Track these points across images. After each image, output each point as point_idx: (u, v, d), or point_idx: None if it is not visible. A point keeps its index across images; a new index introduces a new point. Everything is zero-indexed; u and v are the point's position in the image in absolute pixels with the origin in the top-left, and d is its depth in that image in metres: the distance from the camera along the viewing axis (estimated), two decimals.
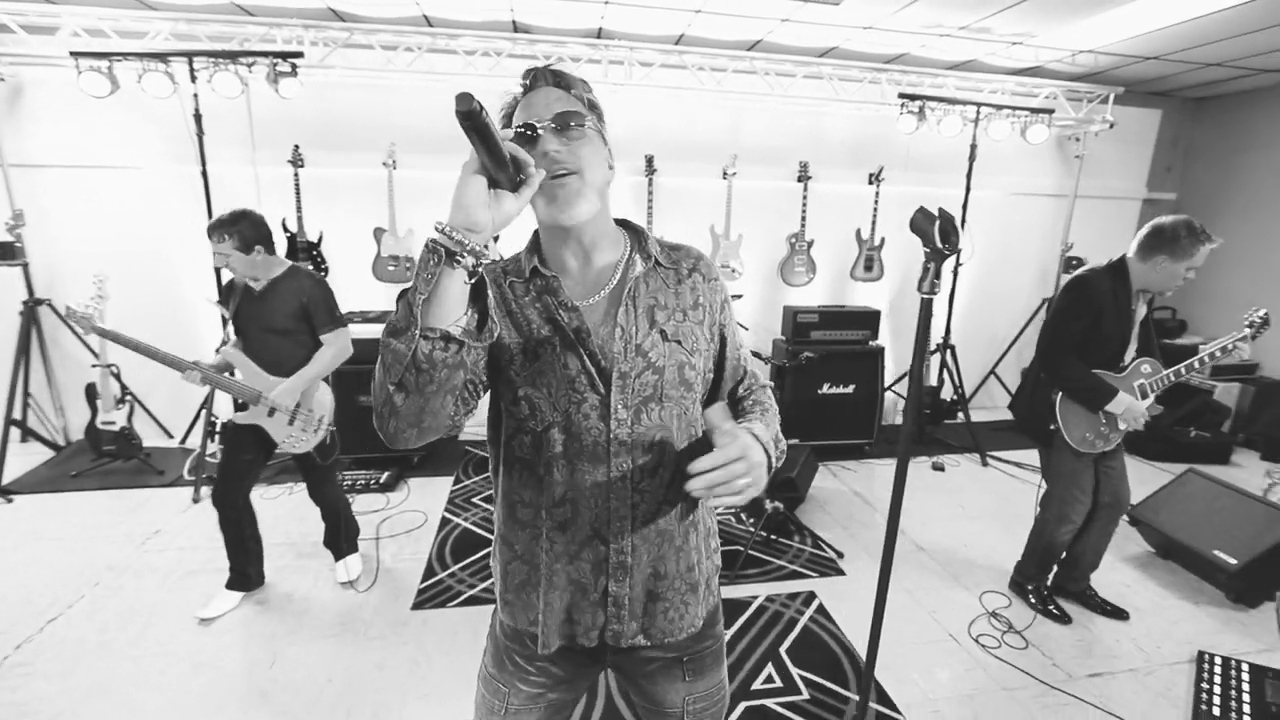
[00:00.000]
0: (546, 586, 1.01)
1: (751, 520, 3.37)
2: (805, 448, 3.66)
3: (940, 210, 0.86)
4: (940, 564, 3.09)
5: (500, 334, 0.98)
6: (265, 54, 3.78)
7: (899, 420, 5.01)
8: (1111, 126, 4.91)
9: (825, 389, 4.30)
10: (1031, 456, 4.39)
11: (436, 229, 0.79)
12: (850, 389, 4.35)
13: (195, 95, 3.78)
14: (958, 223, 0.84)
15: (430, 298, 0.80)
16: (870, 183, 4.87)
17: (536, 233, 1.05)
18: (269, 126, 4.28)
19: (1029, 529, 2.75)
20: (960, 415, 4.79)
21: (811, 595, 2.78)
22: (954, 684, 2.28)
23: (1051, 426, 2.45)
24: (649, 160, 4.54)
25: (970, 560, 3.13)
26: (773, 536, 3.24)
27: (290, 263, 2.62)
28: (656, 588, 1.04)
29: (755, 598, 2.75)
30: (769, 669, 2.32)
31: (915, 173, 5.11)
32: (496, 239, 1.12)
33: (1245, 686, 2.17)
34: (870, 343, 4.41)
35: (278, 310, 2.54)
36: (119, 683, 2.25)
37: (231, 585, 2.73)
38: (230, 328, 2.66)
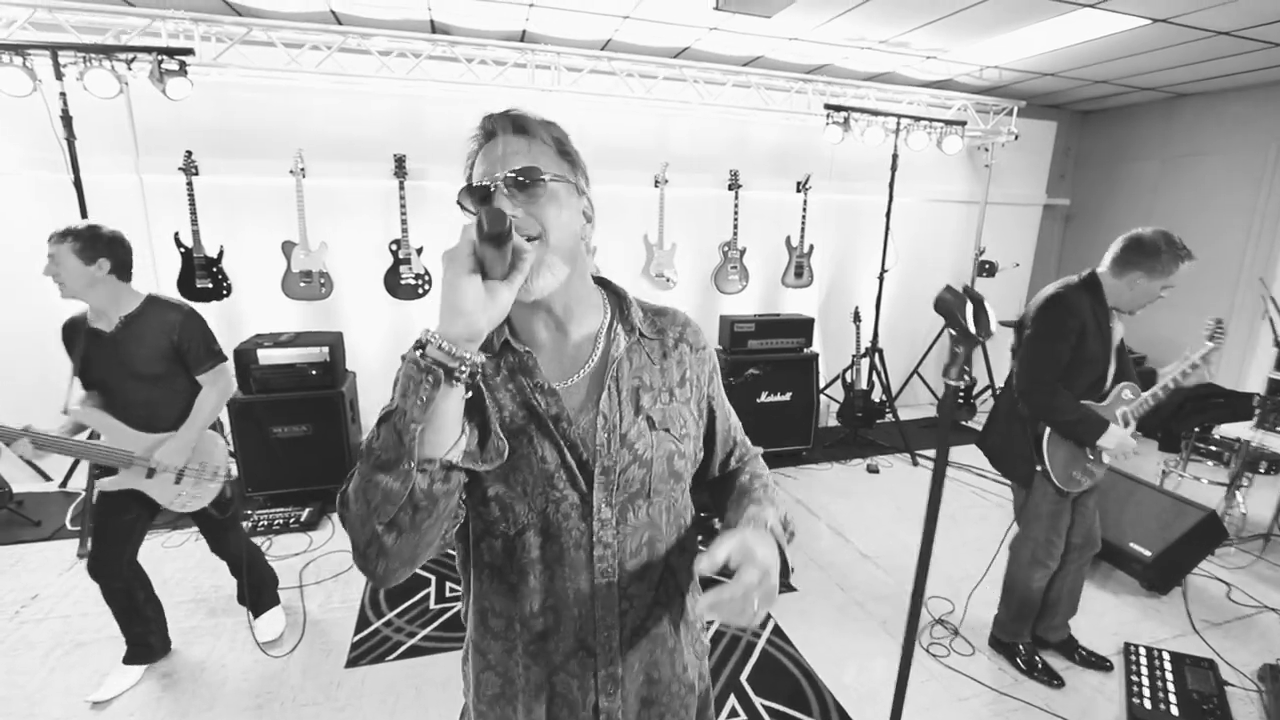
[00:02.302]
0: (529, 700, 0.90)
1: (700, 538, 3.33)
2: None
3: (967, 289, 0.79)
4: (886, 570, 3.16)
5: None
6: (148, 49, 3.36)
7: (833, 423, 5.14)
8: (1016, 138, 5.21)
9: (763, 397, 4.33)
10: (956, 455, 4.61)
11: (427, 340, 0.66)
12: (787, 396, 4.40)
13: (63, 94, 3.31)
14: (988, 304, 0.77)
15: (426, 425, 0.66)
16: (798, 190, 4.95)
17: None
18: (156, 130, 3.83)
19: (964, 531, 2.81)
20: (889, 415, 4.95)
21: (767, 616, 2.77)
22: (912, 697, 2.29)
23: (1038, 467, 2.19)
24: None
25: (913, 565, 3.21)
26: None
27: (146, 294, 2.19)
28: (651, 693, 0.94)
29: (711, 623, 2.71)
30: (732, 701, 2.27)
31: (840, 181, 5.24)
32: None
33: (1169, 675, 2.32)
34: (805, 350, 4.48)
35: (141, 354, 2.12)
36: None
37: (131, 659, 2.38)
38: (76, 381, 2.14)
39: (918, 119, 4.78)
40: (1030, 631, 2.49)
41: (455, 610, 2.80)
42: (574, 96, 4.27)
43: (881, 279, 4.93)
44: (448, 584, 2.99)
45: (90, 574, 2.24)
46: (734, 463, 1.08)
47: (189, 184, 3.80)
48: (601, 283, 0.97)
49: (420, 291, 4.27)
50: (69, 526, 3.50)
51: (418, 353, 0.66)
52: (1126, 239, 2.11)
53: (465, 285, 0.65)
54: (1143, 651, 2.46)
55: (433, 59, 4.00)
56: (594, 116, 4.52)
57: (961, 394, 5.29)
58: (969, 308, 0.78)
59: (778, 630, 2.68)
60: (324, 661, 2.50)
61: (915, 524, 3.65)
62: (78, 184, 3.42)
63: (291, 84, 3.85)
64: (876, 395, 5.04)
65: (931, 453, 4.69)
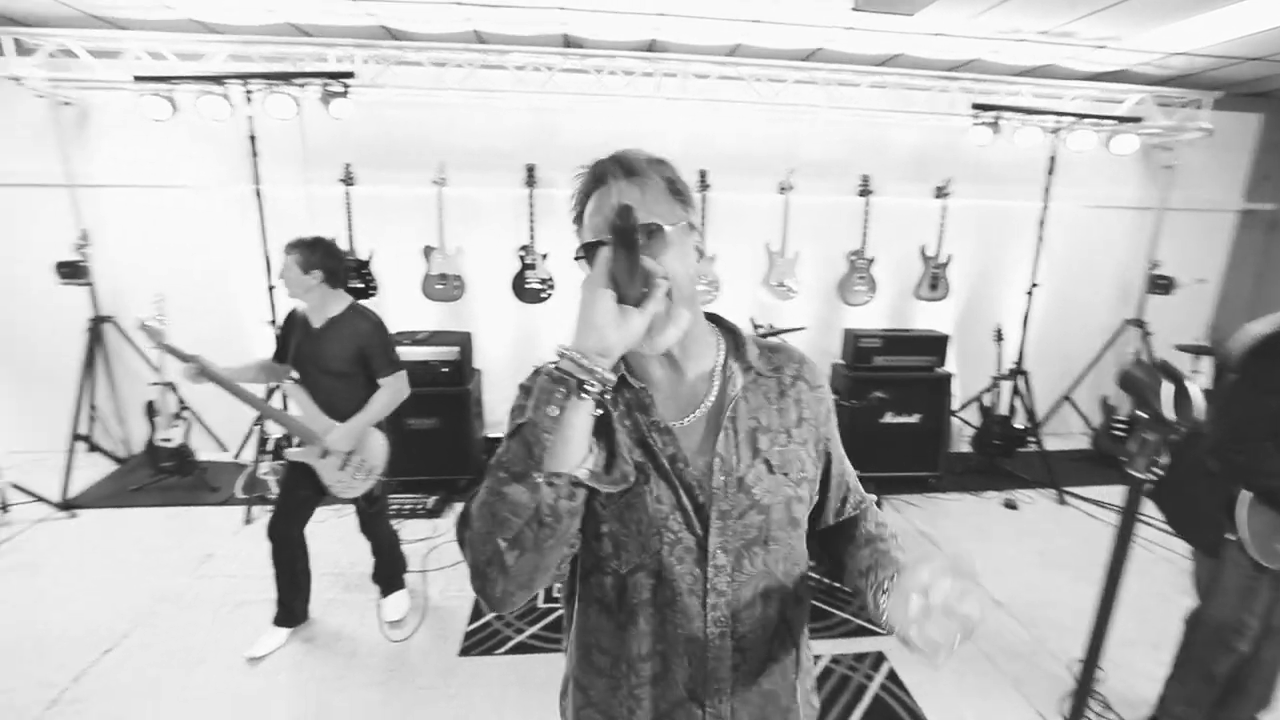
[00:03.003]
0: None
1: (812, 565, 3.18)
2: (868, 483, 3.45)
3: (1165, 365, 0.65)
4: (1022, 624, 2.84)
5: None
6: (316, 75, 3.75)
7: (965, 448, 4.72)
8: (1211, 134, 4.50)
9: (887, 418, 4.06)
10: (1112, 494, 4.07)
11: (561, 354, 0.69)
12: (915, 419, 4.10)
13: (250, 117, 3.78)
14: (1192, 384, 0.62)
15: (556, 437, 0.69)
16: (936, 196, 4.60)
17: None
18: (321, 145, 4.27)
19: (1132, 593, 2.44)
20: (1032, 444, 4.47)
21: (881, 657, 2.58)
22: None
23: (1229, 535, 1.86)
24: (702, 175, 4.38)
25: (1056, 620, 2.86)
26: (836, 584, 3.04)
27: (351, 300, 2.56)
28: None
29: (819, 657, 2.57)
30: None
31: (984, 185, 4.79)
32: None
33: None
34: (937, 369, 4.15)
35: (333, 352, 2.48)
36: None
37: (279, 621, 2.68)
38: (269, 353, 2.68)
39: (1083, 116, 4.26)
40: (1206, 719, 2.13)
41: (560, 612, 2.86)
42: (700, 103, 4.23)
43: (1031, 293, 4.46)
44: (555, 584, 3.06)
45: (268, 535, 2.60)
46: (849, 509, 1.01)
47: (346, 194, 4.21)
48: (714, 319, 0.95)
49: (543, 296, 4.43)
50: (238, 495, 3.99)
51: (551, 365, 0.69)
52: None
53: (597, 301, 0.69)
54: None
55: (565, 71, 4.13)
56: (719, 123, 4.46)
57: (1123, 423, 4.65)
58: (1168, 389, 0.64)
59: (892, 675, 2.49)
60: (441, 646, 2.66)
61: (1058, 571, 3.25)
62: (259, 195, 3.90)
63: (436, 100, 4.12)
64: (1019, 421, 4.57)
65: (1083, 490, 4.17)
